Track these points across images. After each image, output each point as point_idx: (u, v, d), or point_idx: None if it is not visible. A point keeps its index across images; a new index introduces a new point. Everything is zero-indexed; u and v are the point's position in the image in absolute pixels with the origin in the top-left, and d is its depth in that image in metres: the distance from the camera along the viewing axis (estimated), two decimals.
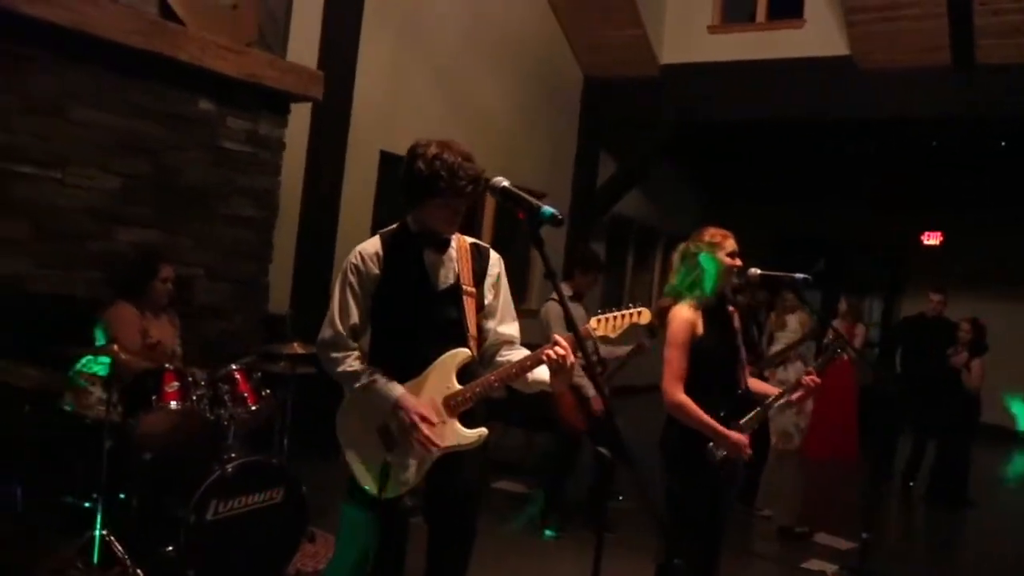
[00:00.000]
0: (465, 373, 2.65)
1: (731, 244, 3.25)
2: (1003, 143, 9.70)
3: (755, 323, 5.99)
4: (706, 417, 3.10)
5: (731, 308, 3.36)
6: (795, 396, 3.31)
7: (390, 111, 7.34)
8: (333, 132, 6.69)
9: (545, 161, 9.51)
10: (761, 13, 9.47)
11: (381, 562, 2.70)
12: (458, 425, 2.63)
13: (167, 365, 3.87)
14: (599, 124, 10.14)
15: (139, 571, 3.52)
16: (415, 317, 2.66)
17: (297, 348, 4.37)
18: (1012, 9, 7.25)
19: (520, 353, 2.70)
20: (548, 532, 5.09)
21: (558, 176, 9.80)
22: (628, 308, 2.63)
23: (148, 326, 4.24)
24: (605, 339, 2.67)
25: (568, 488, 5.28)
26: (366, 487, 2.66)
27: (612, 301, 2.89)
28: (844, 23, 8.26)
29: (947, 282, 7.76)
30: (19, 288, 4.37)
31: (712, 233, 3.27)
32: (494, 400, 2.75)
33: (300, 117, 6.09)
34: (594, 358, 4.80)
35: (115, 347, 3.60)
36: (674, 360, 3.15)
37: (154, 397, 3.73)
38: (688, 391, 3.14)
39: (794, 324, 8.07)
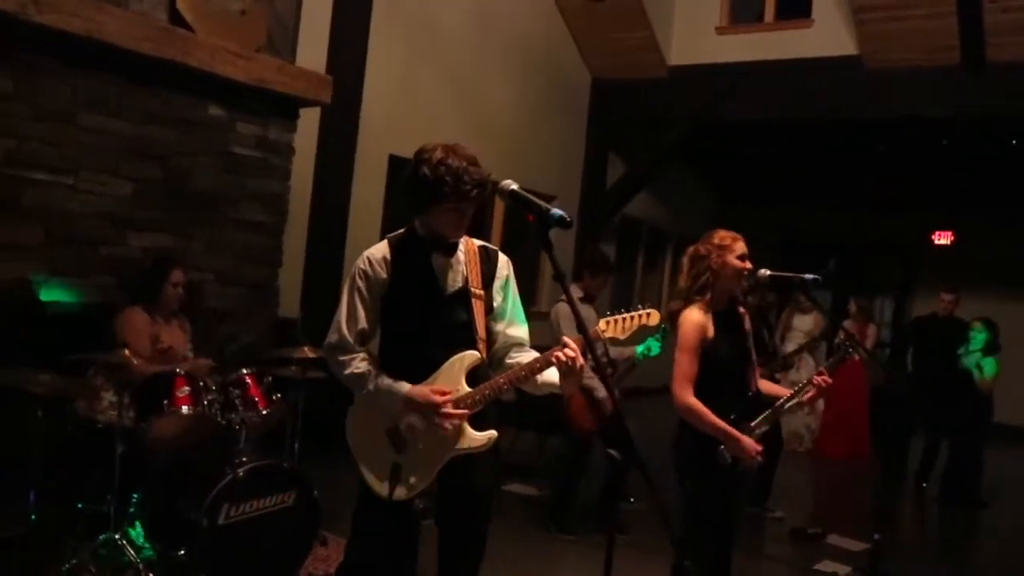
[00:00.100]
0: (474, 376, 2.65)
1: (741, 247, 3.23)
2: (1014, 141, 9.64)
3: (765, 325, 5.97)
4: (716, 420, 3.10)
5: (742, 310, 3.36)
6: (806, 396, 3.30)
7: (399, 115, 7.35)
8: (342, 136, 6.70)
9: (554, 163, 9.50)
10: (769, 13, 9.44)
11: (392, 565, 2.70)
12: (468, 428, 2.62)
13: (178, 370, 3.89)
14: (608, 126, 10.12)
15: (151, 575, 3.53)
16: (424, 321, 2.66)
17: (308, 352, 4.37)
18: (1022, 7, 7.21)
19: (529, 355, 2.71)
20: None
21: (567, 178, 9.80)
22: (637, 309, 2.63)
23: (159, 331, 4.25)
24: (614, 340, 2.66)
25: (579, 490, 5.28)
26: (376, 489, 2.66)
27: (622, 303, 2.88)
28: (853, 22, 8.22)
29: (958, 282, 7.70)
30: (32, 293, 4.40)
31: (722, 236, 3.26)
32: (506, 404, 2.75)
33: (309, 122, 6.12)
34: (604, 360, 4.79)
35: (126, 352, 3.62)
36: (684, 363, 3.14)
37: (166, 402, 3.75)
38: (699, 394, 3.13)
39: (807, 325, 8.04)
